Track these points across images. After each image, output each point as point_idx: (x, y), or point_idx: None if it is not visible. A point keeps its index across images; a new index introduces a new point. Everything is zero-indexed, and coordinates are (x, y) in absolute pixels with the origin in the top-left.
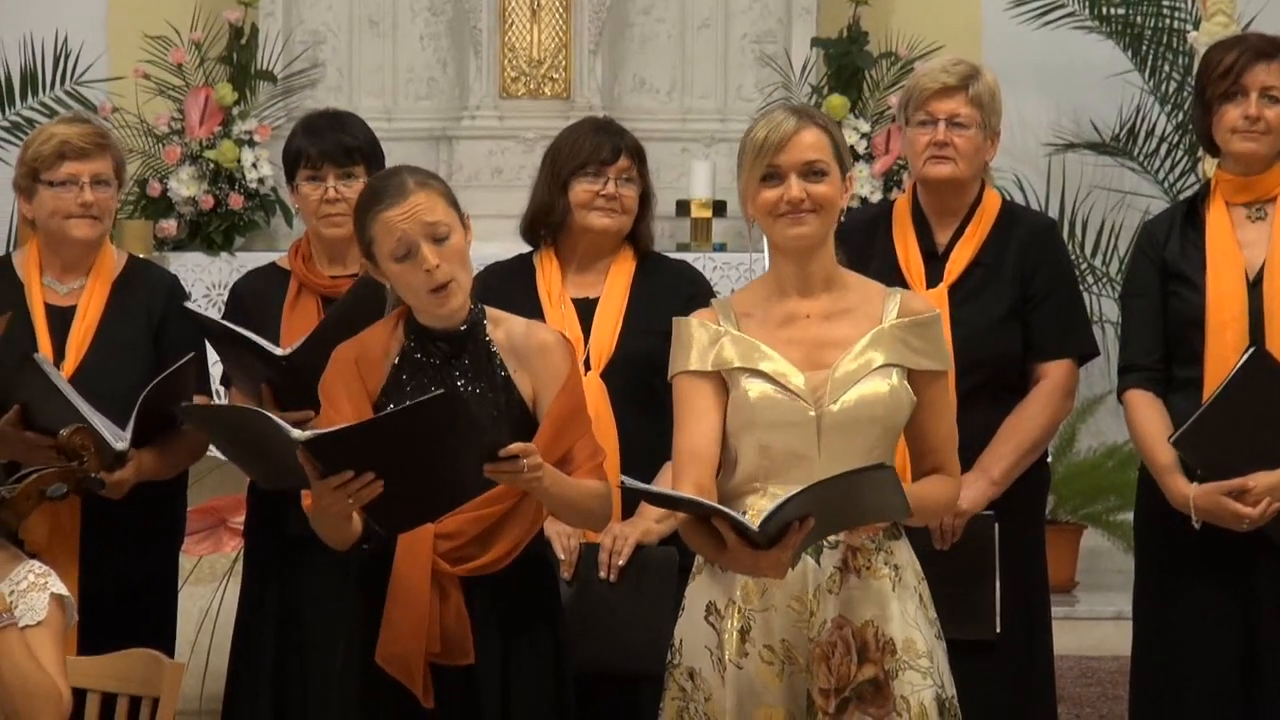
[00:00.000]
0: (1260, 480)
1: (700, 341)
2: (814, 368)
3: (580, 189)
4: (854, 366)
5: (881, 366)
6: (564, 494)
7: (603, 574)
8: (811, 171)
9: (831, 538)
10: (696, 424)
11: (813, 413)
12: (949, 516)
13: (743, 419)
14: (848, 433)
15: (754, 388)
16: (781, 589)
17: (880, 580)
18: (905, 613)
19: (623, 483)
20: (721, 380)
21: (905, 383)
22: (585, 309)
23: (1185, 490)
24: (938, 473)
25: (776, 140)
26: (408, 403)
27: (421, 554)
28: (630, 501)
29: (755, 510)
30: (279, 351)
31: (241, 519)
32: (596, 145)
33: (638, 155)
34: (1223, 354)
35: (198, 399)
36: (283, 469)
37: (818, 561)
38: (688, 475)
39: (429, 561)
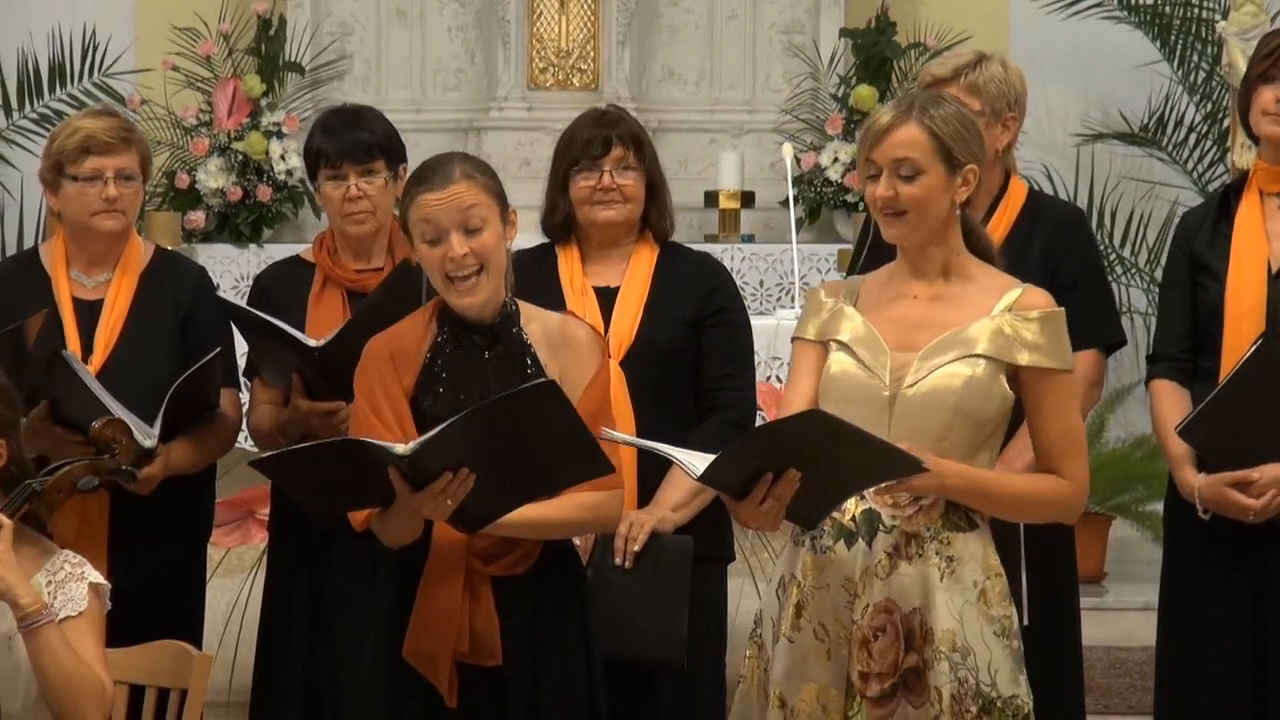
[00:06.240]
0: (1267, 472)
1: (818, 310)
2: (904, 348)
3: (578, 185)
4: (941, 351)
5: (969, 356)
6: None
7: (617, 560)
8: (899, 172)
9: (888, 521)
10: (795, 387)
11: (886, 393)
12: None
13: (824, 391)
14: (917, 417)
15: (837, 361)
16: (836, 569)
17: (929, 569)
18: (950, 604)
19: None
20: (824, 349)
21: (998, 376)
22: (606, 297)
23: (1193, 480)
24: (1050, 475)
25: (871, 136)
26: (511, 390)
27: (456, 551)
28: (647, 490)
29: None
30: (312, 343)
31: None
32: (588, 140)
33: (635, 142)
34: (1239, 344)
35: (225, 394)
36: (354, 495)
37: (869, 545)
38: None
39: (463, 559)
